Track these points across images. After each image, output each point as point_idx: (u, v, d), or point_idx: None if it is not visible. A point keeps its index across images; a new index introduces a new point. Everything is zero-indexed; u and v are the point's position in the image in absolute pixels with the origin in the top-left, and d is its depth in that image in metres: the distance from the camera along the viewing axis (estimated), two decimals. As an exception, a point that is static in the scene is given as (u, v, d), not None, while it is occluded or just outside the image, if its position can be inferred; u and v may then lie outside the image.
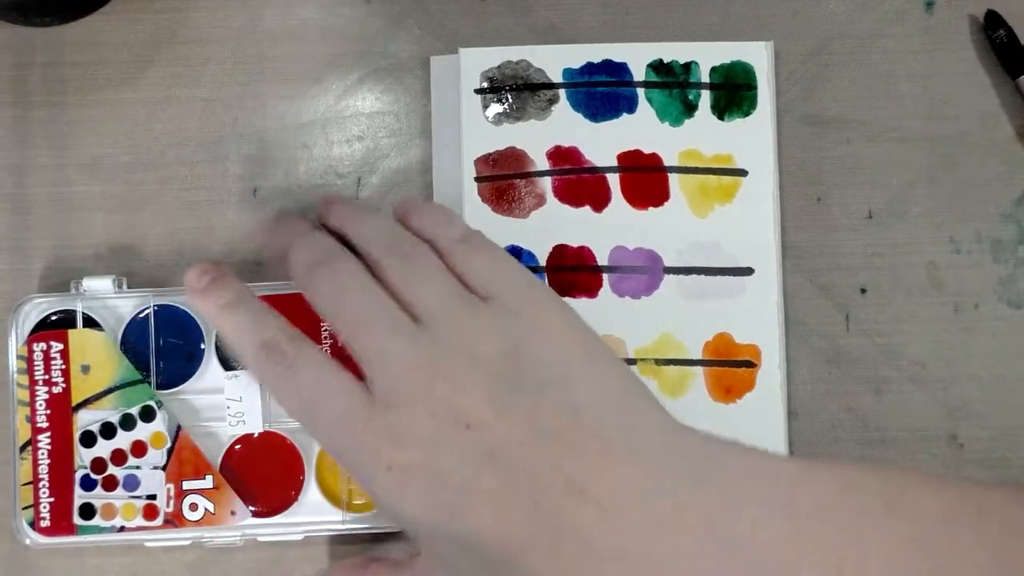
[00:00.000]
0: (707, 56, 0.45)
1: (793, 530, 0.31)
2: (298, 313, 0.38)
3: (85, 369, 0.41)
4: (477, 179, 0.44)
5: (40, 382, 0.41)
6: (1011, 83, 0.45)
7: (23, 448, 0.41)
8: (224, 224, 0.45)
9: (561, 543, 0.32)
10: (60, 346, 0.41)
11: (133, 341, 0.42)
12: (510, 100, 0.44)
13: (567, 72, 0.45)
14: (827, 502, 0.32)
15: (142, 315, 0.42)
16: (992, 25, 0.45)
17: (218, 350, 0.42)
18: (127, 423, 0.41)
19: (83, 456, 0.41)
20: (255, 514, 0.41)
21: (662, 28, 0.46)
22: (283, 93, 0.45)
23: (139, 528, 0.41)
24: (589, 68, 0.45)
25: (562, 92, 0.45)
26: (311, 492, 0.41)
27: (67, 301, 0.42)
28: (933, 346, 0.45)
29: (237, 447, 0.41)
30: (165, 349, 0.42)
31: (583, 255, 0.44)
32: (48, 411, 0.41)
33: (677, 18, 0.46)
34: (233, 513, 0.41)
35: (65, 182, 0.45)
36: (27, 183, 0.45)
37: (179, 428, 0.41)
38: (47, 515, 0.40)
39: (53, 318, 0.42)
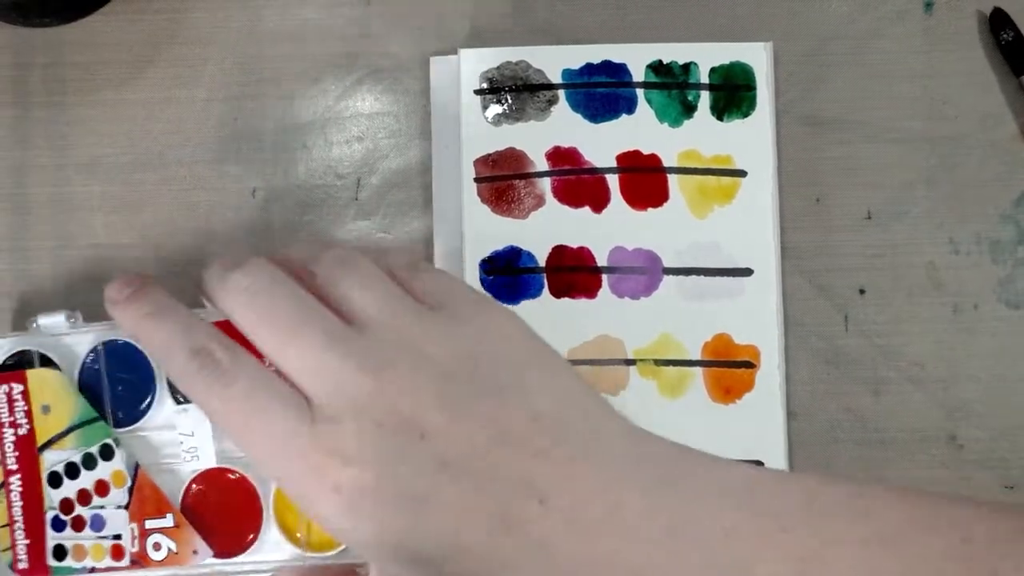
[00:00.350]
0: (706, 57, 0.45)
1: (764, 536, 0.31)
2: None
3: (45, 409, 0.40)
4: (476, 180, 0.44)
5: (6, 424, 0.40)
6: (1011, 83, 0.45)
7: None
8: (224, 224, 0.45)
9: (526, 554, 0.31)
10: (21, 387, 0.40)
11: (87, 379, 0.40)
12: (509, 101, 0.45)
13: (566, 73, 0.45)
14: (796, 508, 0.31)
15: (94, 352, 0.41)
16: (998, 24, 0.45)
17: (171, 384, 0.40)
18: (89, 462, 0.40)
19: (52, 497, 0.40)
20: (217, 554, 0.40)
21: (661, 29, 0.46)
22: (283, 93, 0.46)
23: (108, 569, 0.40)
24: (588, 69, 0.45)
25: (561, 93, 0.45)
26: (271, 531, 0.40)
27: (25, 341, 0.41)
28: (932, 347, 0.45)
29: (196, 485, 0.40)
30: (119, 386, 0.41)
31: (582, 256, 0.44)
32: (17, 453, 0.40)
33: (676, 19, 0.46)
34: (195, 552, 0.40)
35: (65, 182, 0.45)
36: (27, 183, 0.45)
37: (137, 466, 0.40)
38: (24, 556, 0.40)
39: (10, 362, 0.41)
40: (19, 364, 0.41)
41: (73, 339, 0.41)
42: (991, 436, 0.44)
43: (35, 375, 0.40)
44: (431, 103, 0.45)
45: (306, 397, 0.32)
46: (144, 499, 0.40)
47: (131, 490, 0.40)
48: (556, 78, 0.45)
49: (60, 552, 0.40)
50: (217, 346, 0.33)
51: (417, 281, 0.34)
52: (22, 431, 0.40)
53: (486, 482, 0.31)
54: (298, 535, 0.40)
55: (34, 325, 0.41)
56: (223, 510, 0.40)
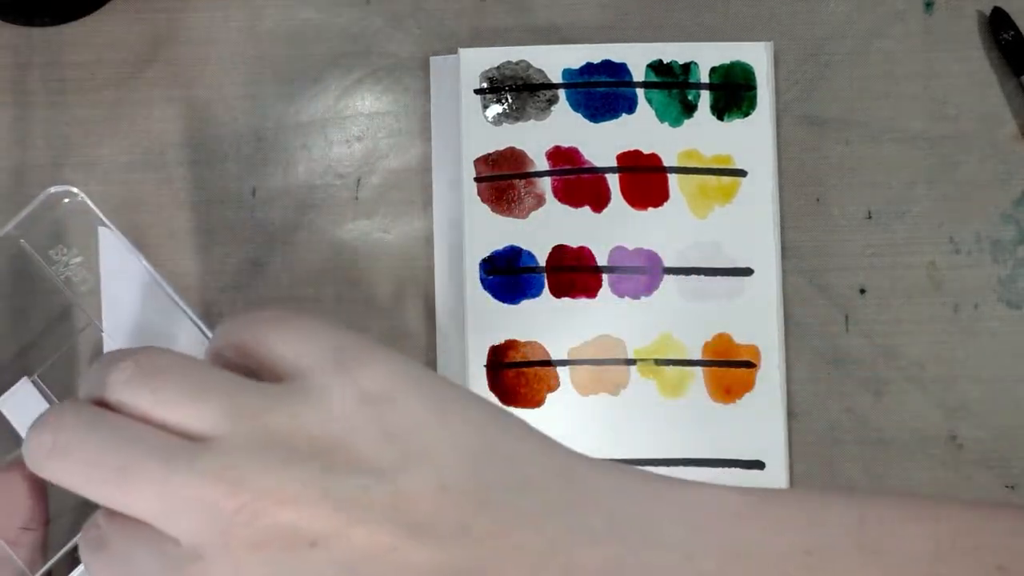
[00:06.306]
0: (706, 56, 0.45)
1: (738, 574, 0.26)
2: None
3: None
4: (477, 179, 0.44)
5: None
6: (1011, 83, 0.45)
7: None
8: (224, 224, 0.45)
9: None
10: None
11: None
12: (510, 100, 0.44)
13: (567, 72, 0.45)
14: (784, 543, 0.27)
15: None
16: (998, 24, 0.45)
17: None
18: None
19: None
20: None
21: (662, 28, 0.46)
22: (282, 93, 0.46)
23: None
24: (589, 68, 0.45)
25: (562, 92, 0.45)
26: None
27: None
28: (933, 346, 0.45)
29: None
30: None
31: (583, 255, 0.44)
32: None
33: (677, 18, 0.46)
34: None
35: (65, 182, 0.45)
36: (27, 183, 0.45)
37: None
38: None
39: None
40: None
41: None
42: (991, 436, 0.44)
43: None
44: (431, 103, 0.45)
45: (174, 540, 0.26)
46: None
47: None
48: (556, 78, 0.45)
49: None
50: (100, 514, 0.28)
51: (262, 351, 0.28)
52: None
53: None
54: None
55: None
56: None
